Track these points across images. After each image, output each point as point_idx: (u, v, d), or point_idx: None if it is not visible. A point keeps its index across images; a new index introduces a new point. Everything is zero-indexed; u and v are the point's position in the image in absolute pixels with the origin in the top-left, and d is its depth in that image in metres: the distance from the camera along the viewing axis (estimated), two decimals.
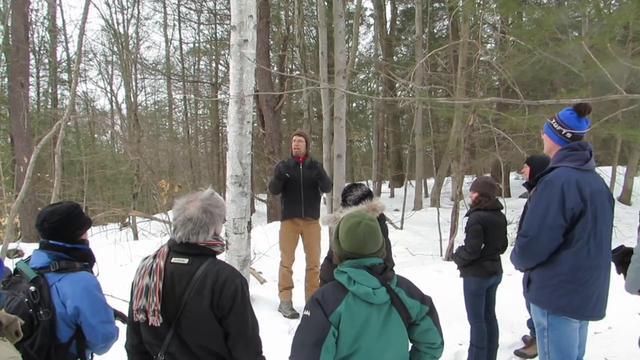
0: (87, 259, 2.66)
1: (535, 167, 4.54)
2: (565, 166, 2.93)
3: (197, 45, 26.27)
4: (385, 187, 25.22)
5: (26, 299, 2.38)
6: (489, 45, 14.94)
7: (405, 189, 14.75)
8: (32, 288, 2.41)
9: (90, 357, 2.69)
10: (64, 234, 2.58)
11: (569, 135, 3.00)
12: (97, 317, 2.51)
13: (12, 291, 2.43)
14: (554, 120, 3.08)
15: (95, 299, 2.53)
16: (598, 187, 2.95)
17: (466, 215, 4.45)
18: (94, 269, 2.74)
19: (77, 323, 2.50)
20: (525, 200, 4.62)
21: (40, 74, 22.07)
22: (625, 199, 15.72)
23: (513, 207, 11.13)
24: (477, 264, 4.23)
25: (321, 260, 5.16)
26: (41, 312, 2.38)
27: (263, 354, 2.33)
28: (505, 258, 4.48)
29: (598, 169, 3.11)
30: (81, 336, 2.53)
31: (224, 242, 2.44)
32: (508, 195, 16.64)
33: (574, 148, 2.98)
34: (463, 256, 4.26)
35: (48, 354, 2.42)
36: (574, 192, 2.83)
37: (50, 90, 22.42)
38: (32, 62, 19.92)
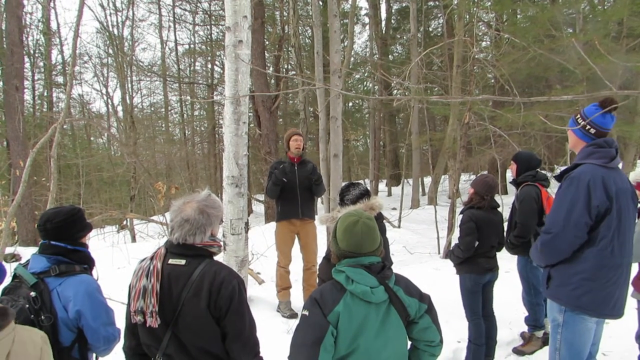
0: (87, 262, 2.67)
1: (522, 164, 4.55)
2: (590, 163, 2.88)
3: (192, 46, 26.26)
4: (382, 185, 25.24)
5: (27, 305, 2.37)
6: (483, 43, 14.96)
7: (403, 188, 14.77)
8: (33, 293, 2.41)
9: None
10: (66, 235, 2.59)
11: (592, 131, 2.96)
12: (99, 320, 2.51)
13: (12, 297, 2.43)
14: (578, 116, 3.04)
15: (96, 301, 2.54)
16: (623, 186, 2.90)
17: (460, 213, 4.47)
18: (94, 272, 2.74)
19: (79, 326, 2.50)
20: (513, 198, 4.62)
21: (36, 77, 22.00)
22: None
23: (510, 204, 11.16)
24: (472, 261, 4.24)
25: (318, 260, 5.17)
26: (43, 317, 2.38)
27: (261, 355, 2.33)
28: (501, 255, 4.50)
29: None
30: (83, 339, 2.53)
31: (221, 243, 2.44)
32: (505, 192, 16.66)
33: (600, 145, 2.93)
34: (457, 254, 4.28)
35: None
36: (600, 189, 2.79)
37: (45, 94, 22.34)
38: (27, 65, 19.89)
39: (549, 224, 2.96)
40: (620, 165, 3.21)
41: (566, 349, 2.96)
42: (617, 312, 2.92)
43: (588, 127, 2.97)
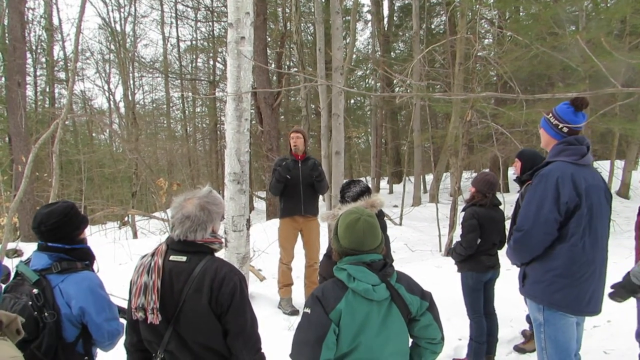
0: (87, 258, 2.66)
1: (526, 162, 4.53)
2: (561, 160, 2.93)
3: (194, 42, 26.21)
4: (384, 183, 25.23)
5: (30, 302, 2.37)
6: (486, 41, 14.91)
7: (404, 185, 14.77)
8: (35, 290, 2.41)
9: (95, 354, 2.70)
10: (63, 235, 2.57)
11: (565, 129, 3.00)
12: (103, 316, 2.52)
13: (14, 294, 2.43)
14: (550, 115, 3.08)
15: (99, 297, 2.54)
16: (594, 182, 2.94)
17: (462, 210, 4.46)
18: (94, 266, 2.74)
19: (83, 322, 2.51)
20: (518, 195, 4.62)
21: (38, 73, 21.99)
22: (624, 192, 15.73)
23: (511, 202, 11.14)
24: (474, 258, 4.24)
25: (320, 257, 5.17)
26: (46, 314, 2.38)
27: (262, 351, 2.33)
28: (503, 253, 4.49)
29: (596, 164, 3.09)
30: (87, 335, 2.54)
31: (222, 239, 2.43)
32: (506, 190, 16.64)
33: (570, 142, 2.97)
34: (459, 251, 4.28)
35: (55, 354, 2.42)
36: (569, 186, 2.82)
37: (47, 89, 22.33)
38: (29, 61, 19.84)
39: (520, 222, 2.99)
40: (596, 163, 3.22)
41: (552, 346, 2.98)
42: (592, 308, 2.94)
43: (561, 125, 3.01)
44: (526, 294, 3.08)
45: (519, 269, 4.77)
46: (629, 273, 3.09)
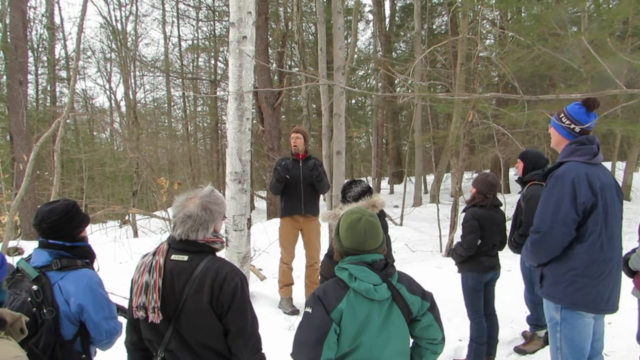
0: (87, 256, 2.66)
1: (529, 162, 4.53)
2: (574, 160, 2.94)
3: (195, 42, 26.18)
4: (384, 183, 25.23)
5: (29, 298, 2.38)
6: (488, 41, 14.90)
7: (405, 186, 14.76)
8: (35, 287, 2.41)
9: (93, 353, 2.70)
10: (64, 233, 2.58)
11: (577, 129, 3.00)
12: (101, 314, 2.52)
13: (14, 290, 2.44)
14: (562, 115, 3.08)
15: (98, 296, 2.54)
16: (607, 181, 2.96)
17: (463, 211, 4.46)
18: (95, 265, 2.74)
19: (81, 320, 2.51)
20: (519, 197, 4.61)
21: (39, 72, 22.02)
22: (625, 194, 15.72)
23: (512, 203, 11.13)
24: (474, 259, 4.23)
25: (321, 257, 5.17)
26: (45, 310, 2.39)
27: (263, 351, 2.33)
28: (503, 254, 4.49)
29: None
30: (85, 333, 2.54)
31: (224, 239, 2.43)
32: (507, 191, 16.64)
33: (582, 142, 2.98)
34: (460, 252, 4.27)
35: (53, 351, 2.42)
36: (585, 186, 2.83)
37: (49, 88, 22.38)
38: (31, 59, 19.87)
39: (537, 223, 2.99)
40: (607, 163, 3.27)
41: (567, 346, 2.97)
42: (611, 306, 2.96)
43: (573, 126, 3.01)
44: (544, 294, 3.06)
45: (521, 270, 4.80)
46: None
